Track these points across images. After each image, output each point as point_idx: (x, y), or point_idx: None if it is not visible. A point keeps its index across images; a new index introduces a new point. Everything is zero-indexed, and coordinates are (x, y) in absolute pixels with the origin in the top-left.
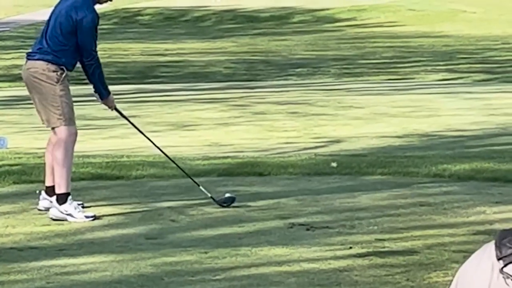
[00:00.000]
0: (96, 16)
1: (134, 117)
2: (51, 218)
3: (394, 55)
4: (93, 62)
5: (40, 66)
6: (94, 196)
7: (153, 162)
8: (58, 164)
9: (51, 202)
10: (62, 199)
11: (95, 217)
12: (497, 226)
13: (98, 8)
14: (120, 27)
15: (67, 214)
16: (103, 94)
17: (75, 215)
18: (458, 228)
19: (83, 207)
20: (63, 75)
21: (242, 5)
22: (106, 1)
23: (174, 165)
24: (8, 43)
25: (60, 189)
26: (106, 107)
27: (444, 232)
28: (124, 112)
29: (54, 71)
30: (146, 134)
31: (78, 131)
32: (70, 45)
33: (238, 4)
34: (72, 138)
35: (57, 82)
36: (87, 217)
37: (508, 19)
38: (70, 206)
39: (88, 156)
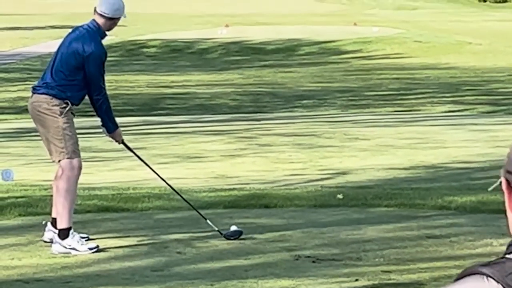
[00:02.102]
0: (104, 52)
1: (140, 149)
2: (54, 254)
3: (400, 87)
4: (101, 97)
5: (44, 100)
6: (100, 228)
7: (159, 194)
8: (61, 197)
9: (55, 233)
10: (64, 234)
11: (98, 248)
12: None
13: (104, 39)
14: (126, 59)
15: (71, 248)
16: (110, 128)
17: (79, 248)
18: (464, 260)
19: (88, 239)
20: (67, 109)
21: (248, 37)
22: (109, 30)
23: (180, 197)
24: (14, 75)
25: (61, 224)
26: (113, 140)
27: (451, 264)
28: (130, 145)
29: (57, 105)
30: (152, 166)
31: (84, 163)
32: (77, 79)
33: (244, 36)
34: (76, 171)
35: (60, 115)
36: (90, 248)
37: None
38: (72, 240)
39: (94, 188)
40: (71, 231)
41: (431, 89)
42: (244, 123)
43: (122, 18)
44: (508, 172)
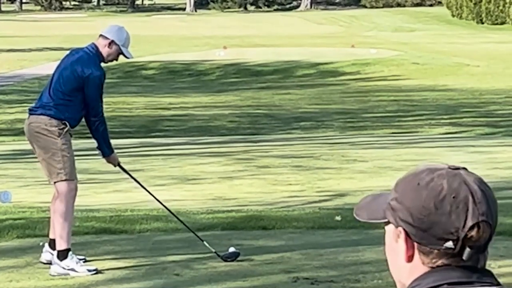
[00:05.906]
0: (103, 74)
1: (138, 171)
2: (52, 276)
3: (398, 109)
4: (98, 119)
5: (42, 120)
6: (98, 250)
7: (157, 216)
8: (59, 219)
9: (53, 255)
10: (63, 255)
11: (97, 271)
12: (503, 280)
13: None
14: (124, 81)
15: (70, 269)
16: (105, 152)
17: (78, 269)
18: None
19: (85, 261)
20: (65, 130)
21: (246, 59)
22: (111, 60)
23: (177, 219)
24: (12, 97)
25: (61, 245)
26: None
27: None
28: (128, 167)
29: (55, 126)
30: (150, 188)
31: (82, 185)
32: (74, 101)
33: (242, 58)
34: (72, 193)
35: (58, 136)
36: (89, 270)
37: None
38: (71, 261)
39: (91, 210)
40: (70, 252)
41: (429, 111)
42: (242, 145)
43: (126, 57)
44: (403, 221)
